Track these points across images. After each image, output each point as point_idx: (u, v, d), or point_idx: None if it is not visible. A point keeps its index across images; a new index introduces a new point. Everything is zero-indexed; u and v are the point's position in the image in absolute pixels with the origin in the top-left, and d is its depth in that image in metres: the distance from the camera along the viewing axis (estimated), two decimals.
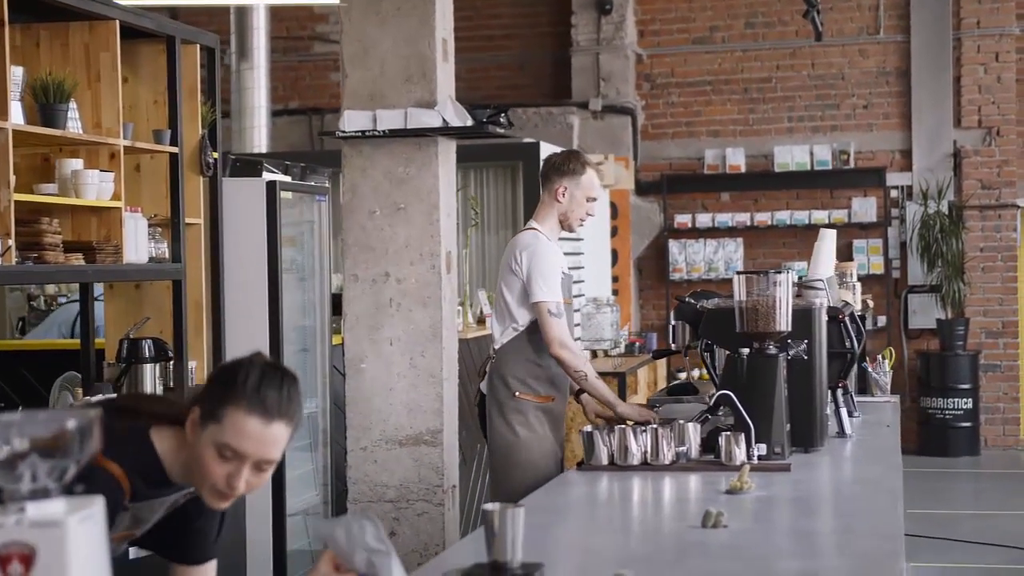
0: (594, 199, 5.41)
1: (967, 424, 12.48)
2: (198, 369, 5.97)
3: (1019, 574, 8.12)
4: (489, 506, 2.77)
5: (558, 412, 5.39)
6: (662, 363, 11.47)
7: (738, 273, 4.53)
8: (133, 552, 4.70)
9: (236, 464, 2.61)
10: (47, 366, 6.30)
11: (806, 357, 4.58)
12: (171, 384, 5.71)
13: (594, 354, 10.36)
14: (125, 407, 2.80)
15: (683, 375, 12.32)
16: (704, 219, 13.11)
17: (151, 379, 5.53)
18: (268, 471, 2.67)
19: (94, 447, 1.83)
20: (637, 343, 11.35)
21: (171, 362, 5.69)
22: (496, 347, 5.40)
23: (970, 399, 12.46)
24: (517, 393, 5.28)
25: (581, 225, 5.49)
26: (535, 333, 5.26)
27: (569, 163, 5.38)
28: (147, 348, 5.53)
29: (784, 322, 4.46)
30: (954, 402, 12.44)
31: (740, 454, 4.25)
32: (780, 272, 4.49)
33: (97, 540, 1.81)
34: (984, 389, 12.70)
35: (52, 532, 1.75)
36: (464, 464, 7.15)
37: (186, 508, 2.86)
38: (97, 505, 1.82)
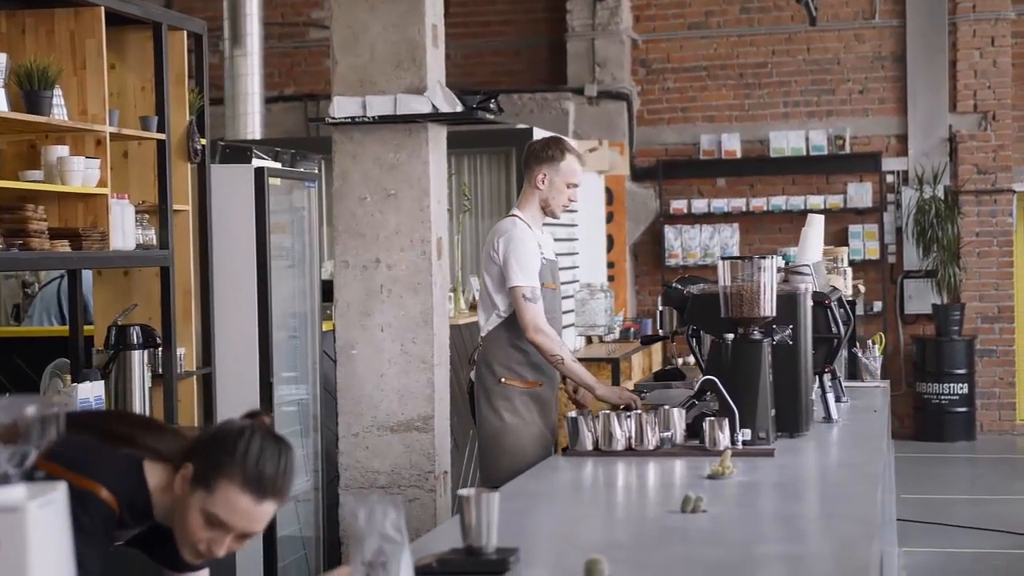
0: (575, 185, 5.40)
1: (963, 409, 12.49)
2: (187, 356, 5.97)
3: (1014, 559, 8.12)
4: (464, 492, 2.78)
5: (546, 397, 5.40)
6: (657, 349, 11.48)
7: (723, 258, 4.53)
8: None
9: (220, 533, 2.63)
10: (40, 353, 6.30)
11: (791, 342, 4.59)
12: (159, 371, 5.71)
13: (588, 340, 10.37)
14: (121, 436, 2.76)
15: (679, 361, 12.35)
16: (700, 205, 13.10)
17: (139, 366, 5.53)
18: (249, 540, 2.69)
19: (54, 434, 1.84)
20: (632, 329, 11.36)
21: (159, 349, 5.69)
22: (482, 335, 5.42)
23: (966, 384, 12.47)
24: (503, 379, 5.30)
25: (565, 211, 5.50)
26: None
27: (548, 150, 5.39)
28: (135, 335, 5.53)
29: (769, 307, 4.46)
30: (950, 387, 12.45)
31: (724, 439, 4.25)
32: (765, 258, 4.48)
33: (59, 526, 1.81)
34: (980, 374, 12.71)
35: (12, 518, 1.75)
36: (456, 450, 7.16)
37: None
38: (59, 491, 1.82)
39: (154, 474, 2.71)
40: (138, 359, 5.54)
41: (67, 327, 5.97)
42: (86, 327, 5.86)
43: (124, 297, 5.84)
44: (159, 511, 2.73)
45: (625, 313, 12.31)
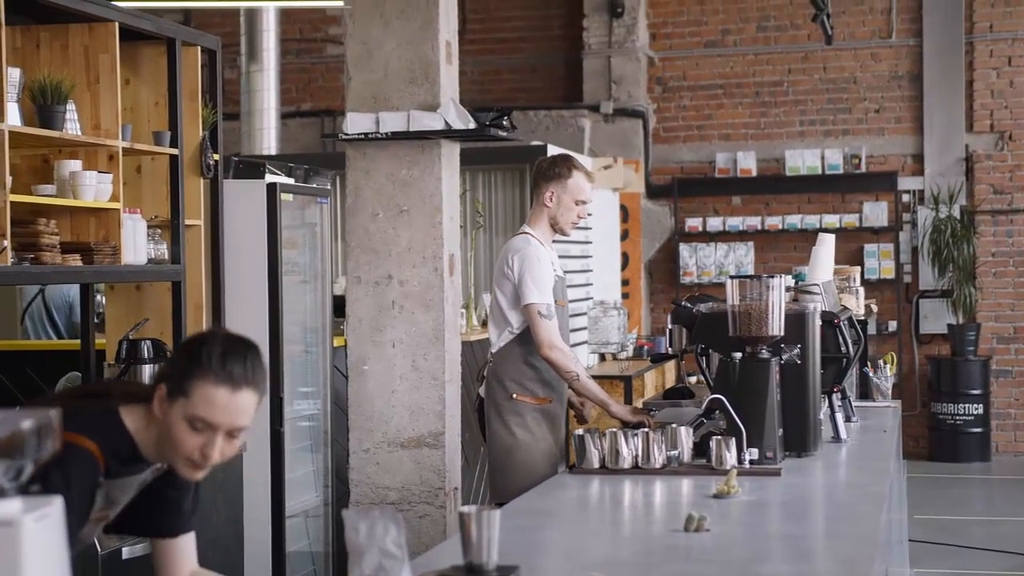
0: (583, 202, 5.43)
1: (978, 430, 12.44)
2: None
3: None
4: (465, 509, 2.78)
5: (556, 413, 5.41)
6: (671, 366, 11.46)
7: (731, 278, 4.53)
8: (127, 552, 4.74)
9: (208, 435, 2.71)
10: (51, 366, 6.33)
11: (799, 362, 4.58)
12: None
13: (602, 357, 10.36)
14: (95, 391, 2.89)
15: (693, 379, 12.32)
16: (715, 223, 13.09)
17: (150, 380, 5.54)
18: (239, 439, 2.77)
19: (50, 447, 1.85)
20: (646, 347, 11.36)
21: None
22: (493, 351, 5.44)
23: (981, 404, 12.42)
24: (514, 395, 5.31)
25: (575, 228, 5.52)
26: (530, 336, 5.28)
27: (555, 167, 5.42)
28: (146, 349, 5.55)
29: (777, 326, 4.45)
30: (965, 407, 12.40)
31: (731, 458, 4.24)
32: (773, 277, 4.48)
33: (54, 540, 1.82)
34: (995, 395, 12.66)
35: (7, 532, 1.76)
36: (467, 466, 7.16)
37: (157, 483, 2.92)
38: (54, 505, 1.83)
39: (132, 417, 2.79)
40: (148, 373, 5.55)
41: (77, 341, 6.00)
42: (98, 341, 5.88)
43: (136, 311, 5.86)
44: (146, 448, 2.79)
45: (639, 331, 12.30)
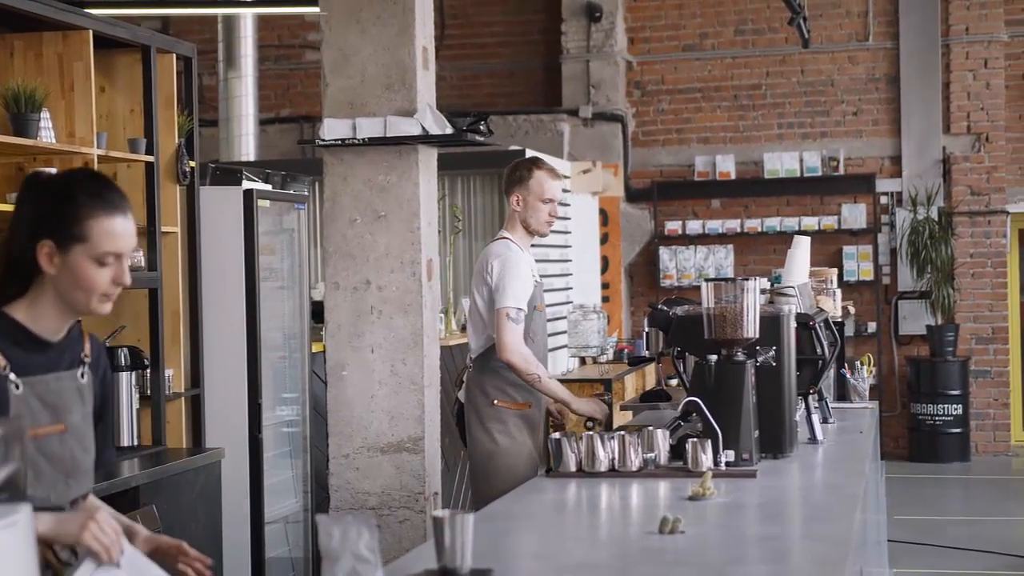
0: (550, 200, 5.47)
1: (957, 430, 12.48)
2: (175, 377, 5.98)
3: None
4: (438, 513, 2.79)
5: (535, 418, 5.43)
6: (651, 369, 11.48)
7: (706, 280, 4.54)
8: None
9: (116, 265, 2.77)
10: None
11: (774, 364, 4.60)
12: (147, 393, 5.72)
13: (582, 361, 10.37)
14: None
15: (674, 382, 12.33)
16: (694, 226, 13.12)
17: (127, 388, 5.54)
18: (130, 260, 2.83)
19: (19, 454, 1.85)
20: (627, 350, 11.37)
21: (147, 371, 5.70)
22: (472, 356, 5.46)
23: (960, 405, 12.47)
24: (496, 401, 5.34)
25: (549, 226, 5.55)
26: None
27: (516, 171, 5.53)
28: (123, 356, 5.54)
29: (752, 329, 4.47)
30: (944, 408, 12.44)
31: (707, 461, 4.25)
32: (748, 279, 4.50)
33: (22, 548, 1.82)
34: (974, 395, 12.71)
35: None
36: (447, 471, 7.16)
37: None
38: (23, 513, 1.84)
39: (15, 310, 2.78)
40: (126, 381, 5.55)
41: None
42: None
43: (111, 318, 5.85)
44: (43, 329, 2.78)
45: (620, 334, 12.31)
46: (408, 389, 6.09)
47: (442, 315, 8.20)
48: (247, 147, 10.80)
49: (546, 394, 5.35)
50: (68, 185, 2.78)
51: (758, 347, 4.56)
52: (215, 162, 8.97)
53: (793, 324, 4.77)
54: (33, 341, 2.78)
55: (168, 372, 5.85)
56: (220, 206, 6.38)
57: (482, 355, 5.41)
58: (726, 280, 4.52)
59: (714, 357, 4.47)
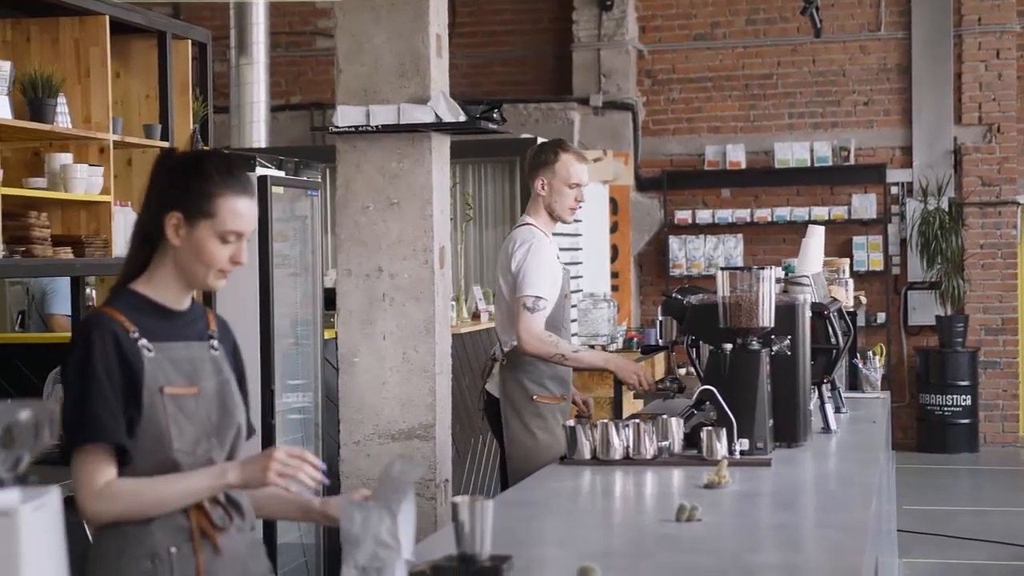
0: (577, 185, 5.34)
1: (966, 421, 12.49)
2: None
3: (1016, 570, 8.12)
4: (458, 499, 2.79)
5: (567, 409, 5.38)
6: (661, 358, 11.48)
7: (721, 269, 4.54)
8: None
9: (236, 244, 2.88)
10: (42, 359, 6.32)
11: (789, 353, 4.59)
12: None
13: (591, 349, 10.37)
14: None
15: (683, 371, 12.33)
16: (704, 215, 13.12)
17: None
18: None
19: (48, 438, 1.86)
20: (636, 339, 11.36)
21: None
22: (506, 349, 5.33)
23: (969, 396, 12.47)
24: (535, 396, 5.24)
25: (573, 213, 5.42)
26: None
27: (542, 154, 5.36)
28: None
29: (767, 318, 4.46)
30: (953, 399, 12.44)
31: (721, 449, 4.26)
32: (764, 268, 4.49)
33: (52, 529, 1.83)
34: (983, 386, 12.71)
35: (5, 521, 1.77)
36: (457, 458, 7.17)
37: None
38: (52, 495, 1.84)
39: (140, 284, 2.90)
40: None
41: (68, 335, 5.99)
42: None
43: None
44: (168, 300, 2.90)
45: (629, 323, 12.32)
46: (420, 376, 6.09)
47: (453, 303, 8.20)
48: (259, 134, 10.80)
49: (580, 368, 5.22)
50: (201, 162, 2.88)
51: (773, 336, 4.56)
52: (227, 148, 8.98)
53: (808, 313, 4.77)
54: (158, 310, 2.90)
55: None
56: None
57: (516, 348, 5.29)
58: (742, 269, 4.52)
59: (729, 346, 4.47)
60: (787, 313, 4.62)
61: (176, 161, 2.92)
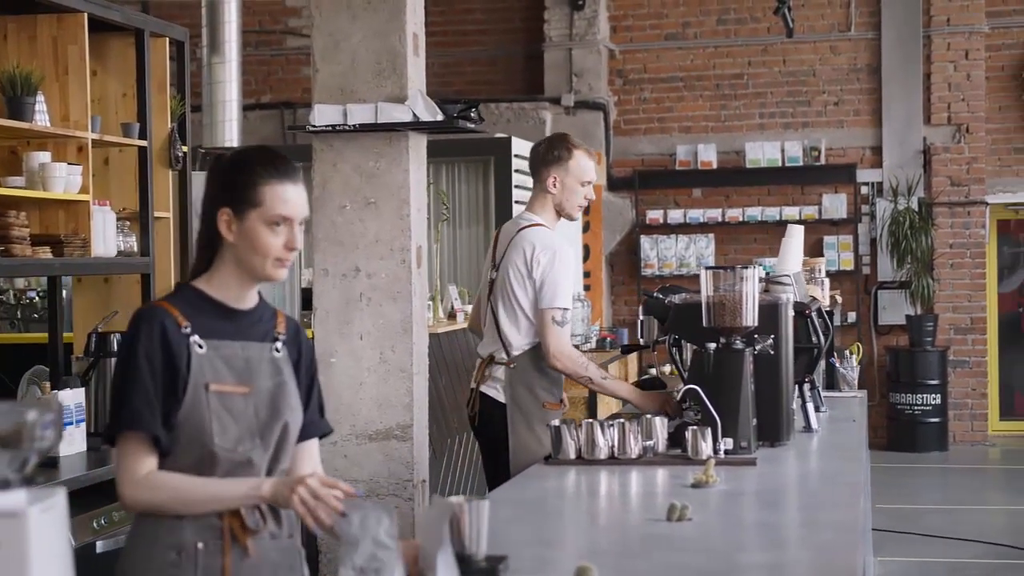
0: (588, 182, 5.17)
1: (935, 420, 12.56)
2: None
3: (986, 568, 8.17)
4: (454, 499, 2.78)
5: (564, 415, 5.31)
6: (633, 358, 11.50)
7: (706, 268, 4.54)
8: (101, 546, 4.71)
9: (287, 230, 2.91)
10: (16, 360, 6.27)
11: (772, 352, 4.60)
12: None
13: None
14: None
15: (653, 370, 12.36)
16: (676, 215, 13.14)
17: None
18: (302, 229, 2.97)
19: (54, 439, 1.84)
20: (609, 338, 11.38)
21: None
22: (514, 353, 5.13)
23: (939, 395, 12.54)
24: (545, 404, 5.10)
25: (581, 211, 5.28)
26: None
27: (554, 150, 5.16)
28: (116, 342, 5.50)
29: (751, 317, 4.47)
30: (923, 398, 12.52)
31: (706, 448, 4.26)
32: (747, 267, 4.50)
33: (59, 531, 1.82)
34: (952, 385, 12.78)
35: (13, 523, 1.76)
36: (435, 458, 7.16)
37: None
38: (59, 496, 1.83)
39: (200, 282, 2.95)
40: None
41: (43, 334, 5.95)
42: (65, 334, 5.83)
43: (104, 304, 5.82)
44: (228, 298, 2.94)
45: (601, 323, 12.34)
46: (397, 377, 6.08)
47: (429, 303, 8.18)
48: (231, 133, 10.72)
49: (605, 394, 5.09)
50: (243, 156, 2.98)
51: (756, 335, 4.56)
52: (200, 147, 8.93)
53: (791, 312, 4.78)
54: (218, 309, 2.94)
55: None
56: None
57: (527, 353, 5.10)
58: (725, 268, 4.52)
59: (713, 345, 4.48)
60: (770, 312, 4.63)
61: (222, 163, 3.00)
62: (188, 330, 2.88)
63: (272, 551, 2.95)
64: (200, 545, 2.86)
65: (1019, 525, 9.49)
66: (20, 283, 8.94)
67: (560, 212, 5.22)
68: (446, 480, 7.78)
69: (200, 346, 2.88)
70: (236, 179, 2.93)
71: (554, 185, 5.16)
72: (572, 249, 5.12)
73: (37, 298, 9.38)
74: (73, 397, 5.05)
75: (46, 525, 1.79)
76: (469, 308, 8.56)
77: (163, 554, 2.86)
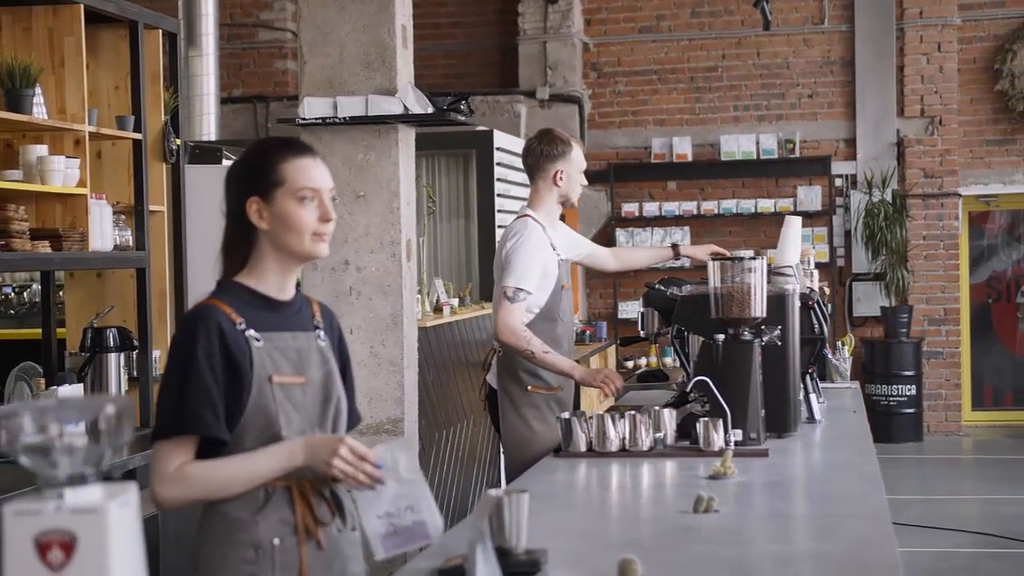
0: (584, 170, 5.46)
1: (910, 410, 12.63)
2: (162, 358, 5.90)
3: (962, 557, 8.22)
4: (494, 492, 2.76)
5: (566, 399, 5.35)
6: (611, 351, 11.52)
7: (713, 259, 4.54)
8: None
9: (318, 202, 2.91)
10: (10, 355, 6.21)
11: (780, 343, 4.60)
12: (135, 374, 5.65)
13: None
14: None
15: (643, 361, 12.37)
16: (651, 208, 13.15)
17: (115, 369, 5.46)
18: (332, 201, 2.96)
19: (130, 433, 1.82)
20: (587, 332, 11.40)
21: (135, 351, 5.62)
22: (503, 340, 5.22)
23: (913, 386, 12.61)
24: (529, 387, 5.22)
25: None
26: (542, 323, 5.19)
27: (557, 146, 5.34)
28: (111, 337, 5.46)
29: (759, 308, 4.47)
30: (898, 389, 12.58)
31: (719, 440, 4.26)
32: (755, 258, 4.50)
33: (134, 525, 1.79)
34: (927, 376, 12.86)
35: (92, 518, 1.74)
36: (424, 453, 7.13)
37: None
38: (132, 492, 1.80)
39: (242, 277, 2.94)
40: (114, 362, 5.47)
41: (36, 330, 5.89)
42: (58, 330, 5.78)
43: (97, 299, 5.76)
44: (271, 289, 2.93)
45: (578, 316, 12.33)
46: (388, 370, 6.07)
47: (416, 296, 8.15)
48: (208, 127, 10.66)
49: (546, 369, 5.19)
50: (257, 146, 2.99)
51: (763, 326, 4.56)
52: (191, 140, 8.86)
53: (797, 303, 4.79)
54: (262, 301, 2.93)
55: (155, 353, 5.77)
56: (205, 185, 6.30)
57: None
58: (733, 259, 4.51)
59: (721, 337, 4.47)
60: (777, 303, 4.64)
61: (238, 161, 3.01)
62: (243, 326, 2.86)
63: (340, 542, 2.93)
64: (276, 541, 2.83)
65: (996, 513, 9.56)
66: (20, 277, 8.86)
67: (565, 203, 5.43)
68: (436, 474, 7.75)
69: (257, 339, 2.87)
70: (255, 167, 2.94)
71: (560, 178, 5.35)
72: (545, 236, 5.28)
73: (13, 294, 9.30)
74: (72, 392, 5.00)
75: (123, 519, 1.76)
76: (455, 302, 8.55)
77: (239, 552, 2.83)
